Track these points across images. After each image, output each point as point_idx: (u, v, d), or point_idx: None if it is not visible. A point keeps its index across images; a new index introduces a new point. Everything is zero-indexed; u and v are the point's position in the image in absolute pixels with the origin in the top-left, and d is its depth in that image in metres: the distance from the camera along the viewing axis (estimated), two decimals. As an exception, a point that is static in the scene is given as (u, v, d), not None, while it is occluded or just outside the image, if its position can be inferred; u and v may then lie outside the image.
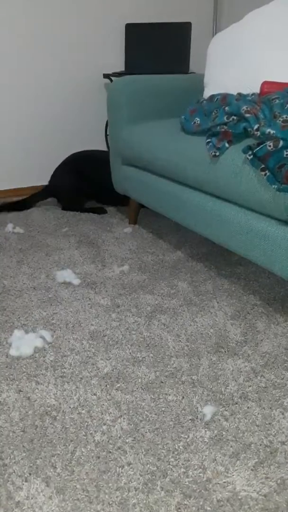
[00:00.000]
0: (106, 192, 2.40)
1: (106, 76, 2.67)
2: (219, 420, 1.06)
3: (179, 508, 0.86)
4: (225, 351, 1.30)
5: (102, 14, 2.68)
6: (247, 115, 1.42)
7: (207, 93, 1.91)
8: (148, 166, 1.89)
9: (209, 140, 1.51)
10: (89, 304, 1.55)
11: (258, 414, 1.08)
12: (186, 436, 1.01)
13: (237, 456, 0.96)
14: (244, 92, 1.70)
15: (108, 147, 2.78)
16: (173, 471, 0.93)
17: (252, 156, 1.29)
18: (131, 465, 0.94)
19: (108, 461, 0.95)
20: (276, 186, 1.25)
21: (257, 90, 1.68)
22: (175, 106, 2.07)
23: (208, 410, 1.07)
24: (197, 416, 1.07)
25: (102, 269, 1.80)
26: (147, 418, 1.06)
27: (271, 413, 1.08)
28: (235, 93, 1.70)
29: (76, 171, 2.46)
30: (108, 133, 2.59)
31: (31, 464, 0.95)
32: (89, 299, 1.58)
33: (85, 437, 1.01)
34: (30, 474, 0.93)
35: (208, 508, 0.85)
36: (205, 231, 1.62)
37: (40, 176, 2.81)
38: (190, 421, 1.06)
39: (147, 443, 1.00)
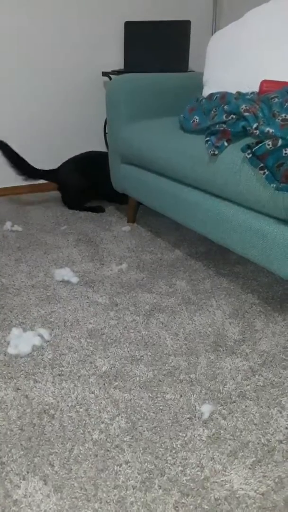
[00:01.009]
0: (114, 190, 2.38)
1: (105, 74, 2.66)
2: (217, 418, 1.06)
3: (177, 507, 0.86)
4: (223, 350, 1.30)
5: (101, 12, 2.68)
6: (246, 113, 1.42)
7: (206, 92, 1.91)
8: (147, 165, 1.89)
9: (208, 138, 1.51)
10: (87, 302, 1.55)
11: (256, 412, 1.08)
12: (184, 435, 1.01)
13: (235, 455, 0.97)
14: (243, 90, 1.70)
15: (107, 145, 2.78)
16: (171, 470, 0.93)
17: (251, 155, 1.29)
18: (129, 464, 0.94)
19: (106, 459, 0.95)
20: (275, 185, 1.25)
21: (256, 89, 1.68)
22: (174, 104, 2.06)
23: (206, 409, 1.08)
24: (195, 415, 1.07)
25: (101, 268, 1.80)
26: (145, 417, 1.06)
27: (269, 412, 1.08)
28: (234, 91, 1.70)
29: (86, 170, 2.43)
30: (107, 131, 2.59)
31: (29, 463, 0.95)
32: (88, 297, 1.58)
33: (83, 436, 1.01)
34: (28, 472, 0.93)
35: (206, 507, 0.86)
36: (204, 229, 1.62)
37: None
38: (188, 419, 1.06)
39: (145, 442, 1.00)
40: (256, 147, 1.27)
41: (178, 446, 0.99)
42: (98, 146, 2.89)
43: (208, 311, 1.50)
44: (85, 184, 2.44)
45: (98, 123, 2.86)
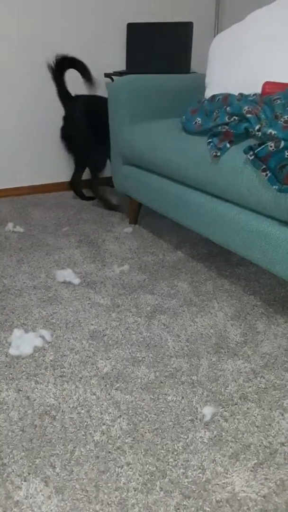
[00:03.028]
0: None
1: (107, 75, 2.66)
2: (219, 420, 1.06)
3: (178, 509, 0.85)
4: (225, 352, 1.30)
5: (103, 14, 2.68)
6: (249, 115, 1.42)
7: (208, 93, 1.91)
8: (149, 166, 1.89)
9: (210, 140, 1.51)
10: (89, 303, 1.55)
11: (257, 415, 1.07)
12: (185, 437, 1.01)
13: (236, 457, 0.96)
14: (246, 92, 1.70)
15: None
16: (173, 472, 0.93)
17: (253, 157, 1.29)
18: (130, 465, 0.94)
19: (107, 461, 0.95)
20: (277, 187, 1.25)
21: (259, 91, 1.67)
22: (176, 105, 2.06)
23: (207, 411, 1.07)
24: (197, 417, 1.07)
25: (102, 269, 1.80)
26: (147, 418, 1.06)
27: (271, 414, 1.07)
28: (236, 93, 1.70)
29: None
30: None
31: (30, 464, 0.95)
32: (89, 298, 1.58)
33: (84, 437, 1.01)
34: (29, 473, 0.92)
35: (207, 509, 0.85)
36: (206, 231, 1.61)
37: (40, 175, 2.81)
38: (189, 421, 1.06)
39: (146, 443, 1.00)
40: (259, 149, 1.27)
41: (180, 448, 0.99)
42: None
43: (210, 313, 1.49)
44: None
45: (100, 124, 2.86)
